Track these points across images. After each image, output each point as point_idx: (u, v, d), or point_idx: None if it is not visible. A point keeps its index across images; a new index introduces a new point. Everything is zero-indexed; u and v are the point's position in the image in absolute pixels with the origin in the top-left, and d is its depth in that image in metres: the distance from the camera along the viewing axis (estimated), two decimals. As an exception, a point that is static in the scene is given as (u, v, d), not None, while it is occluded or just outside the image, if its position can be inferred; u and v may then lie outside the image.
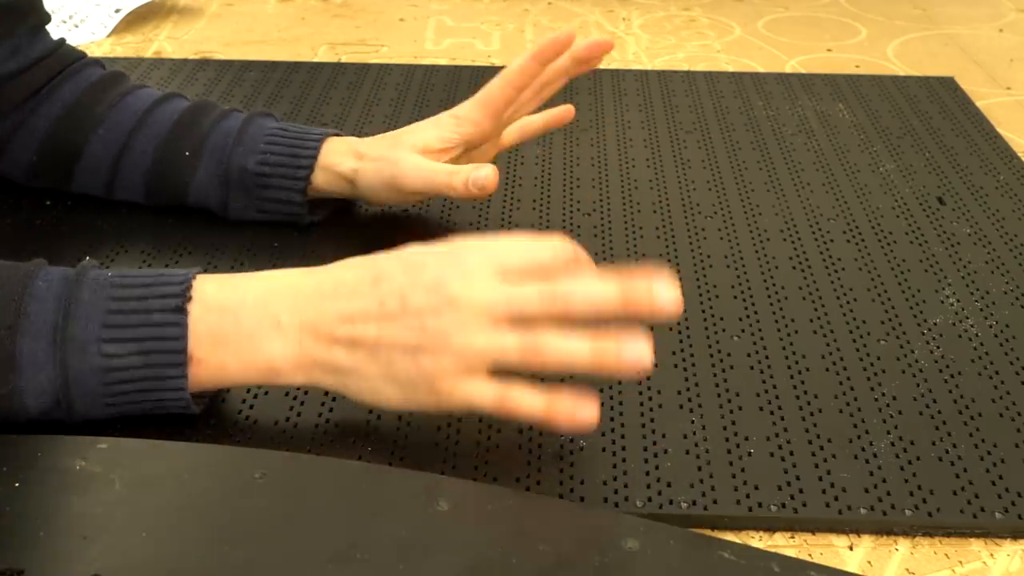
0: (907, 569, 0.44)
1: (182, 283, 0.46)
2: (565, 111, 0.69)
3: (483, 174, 0.59)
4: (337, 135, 0.65)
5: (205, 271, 0.48)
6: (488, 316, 0.45)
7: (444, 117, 0.63)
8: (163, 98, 0.66)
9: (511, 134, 0.68)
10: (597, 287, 0.45)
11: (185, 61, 0.94)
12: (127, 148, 0.64)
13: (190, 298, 0.46)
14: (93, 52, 0.90)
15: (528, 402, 0.46)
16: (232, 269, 0.62)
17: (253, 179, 0.63)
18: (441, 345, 0.45)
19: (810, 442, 0.50)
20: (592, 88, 0.89)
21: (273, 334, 0.47)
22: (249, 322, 0.47)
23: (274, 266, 0.61)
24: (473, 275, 0.45)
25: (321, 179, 0.63)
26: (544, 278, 0.46)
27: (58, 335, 0.45)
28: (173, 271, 0.48)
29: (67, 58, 0.67)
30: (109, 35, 1.01)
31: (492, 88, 0.62)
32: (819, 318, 0.59)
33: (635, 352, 0.44)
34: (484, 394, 0.45)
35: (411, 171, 0.61)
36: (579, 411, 0.46)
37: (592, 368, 0.44)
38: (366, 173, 0.62)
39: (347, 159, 0.63)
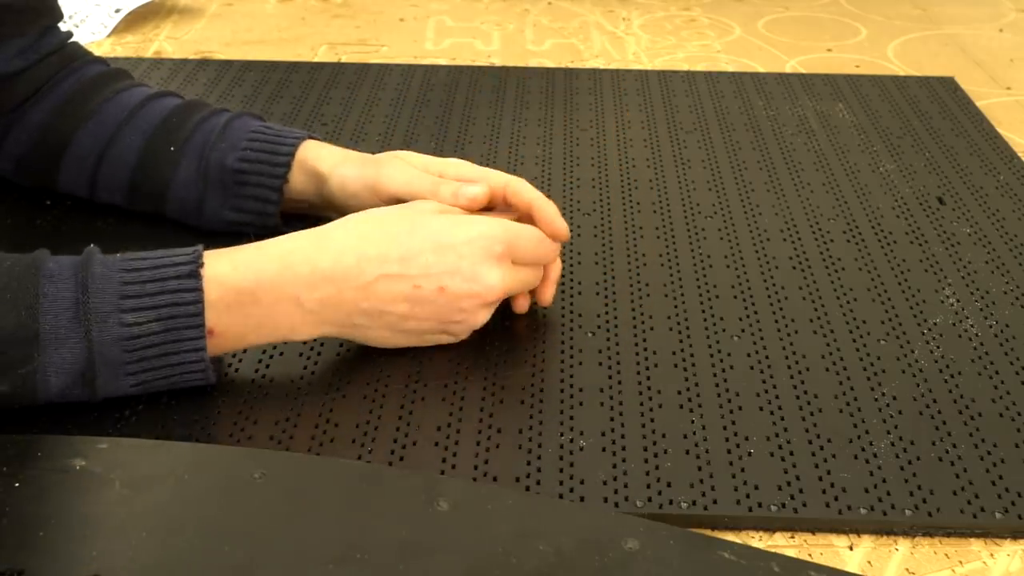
0: (907, 569, 0.44)
1: (192, 252, 0.49)
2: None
3: (474, 190, 0.56)
4: (317, 139, 0.64)
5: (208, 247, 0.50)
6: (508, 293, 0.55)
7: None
8: (155, 95, 0.66)
9: None
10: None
11: (185, 61, 0.94)
12: (114, 141, 0.64)
13: (202, 264, 0.48)
14: (93, 52, 0.90)
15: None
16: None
17: (232, 176, 0.62)
18: (471, 318, 0.53)
19: (810, 442, 0.50)
20: (592, 88, 0.89)
21: (292, 309, 0.50)
22: (267, 300, 0.49)
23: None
24: (502, 262, 0.53)
25: (298, 178, 0.62)
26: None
27: (80, 308, 0.46)
28: (178, 248, 0.49)
29: (72, 55, 0.67)
30: (109, 35, 1.01)
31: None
32: (819, 318, 0.59)
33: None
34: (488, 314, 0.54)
35: (396, 172, 0.59)
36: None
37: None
38: (348, 171, 0.60)
39: (327, 157, 0.62)
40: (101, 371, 0.47)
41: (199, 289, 0.47)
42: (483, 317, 0.54)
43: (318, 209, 0.63)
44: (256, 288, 0.49)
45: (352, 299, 0.50)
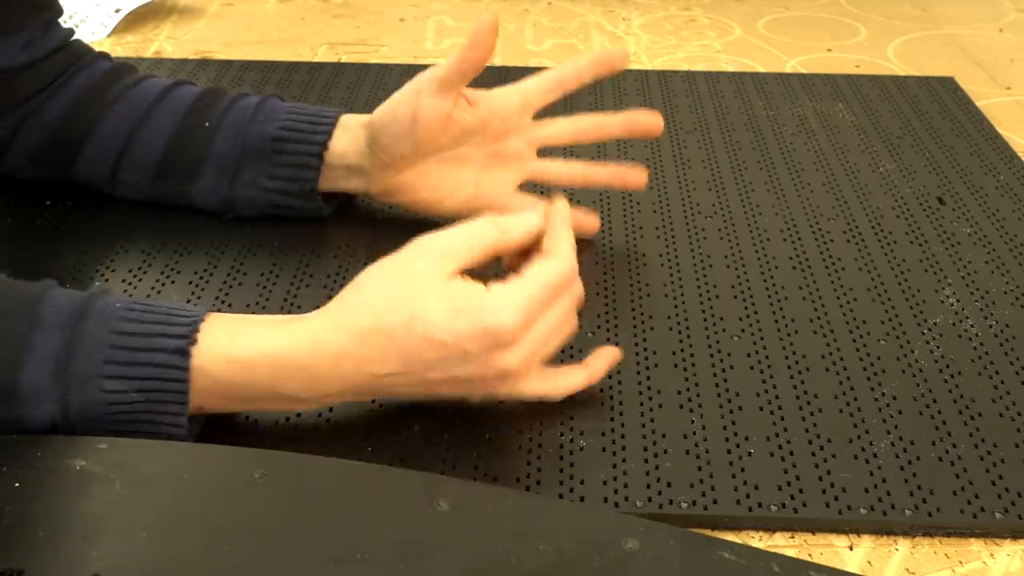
0: (907, 569, 0.44)
1: (189, 325, 0.46)
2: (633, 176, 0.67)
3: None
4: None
5: (218, 309, 0.48)
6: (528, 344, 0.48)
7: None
8: (177, 82, 0.68)
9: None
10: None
11: (185, 61, 0.94)
12: (146, 119, 0.65)
13: (195, 341, 0.45)
14: (93, 52, 0.90)
15: (573, 379, 0.51)
16: (232, 269, 0.62)
17: (271, 144, 0.63)
18: (496, 384, 0.48)
19: (810, 442, 0.50)
20: (592, 88, 0.89)
21: (290, 403, 0.48)
22: (261, 392, 0.47)
23: (273, 267, 0.62)
24: (516, 342, 0.47)
25: (340, 139, 0.63)
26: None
27: (60, 368, 0.44)
28: (183, 308, 0.47)
29: (78, 52, 0.68)
30: (109, 35, 1.01)
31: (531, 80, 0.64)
32: (819, 318, 0.59)
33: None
34: (535, 388, 0.50)
35: (428, 102, 0.60)
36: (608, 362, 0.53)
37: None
38: (384, 111, 0.62)
39: (369, 116, 0.63)
40: (77, 427, 0.45)
41: (186, 368, 0.45)
42: (511, 361, 0.47)
43: (355, 173, 0.64)
44: (248, 385, 0.46)
45: (358, 389, 0.47)
